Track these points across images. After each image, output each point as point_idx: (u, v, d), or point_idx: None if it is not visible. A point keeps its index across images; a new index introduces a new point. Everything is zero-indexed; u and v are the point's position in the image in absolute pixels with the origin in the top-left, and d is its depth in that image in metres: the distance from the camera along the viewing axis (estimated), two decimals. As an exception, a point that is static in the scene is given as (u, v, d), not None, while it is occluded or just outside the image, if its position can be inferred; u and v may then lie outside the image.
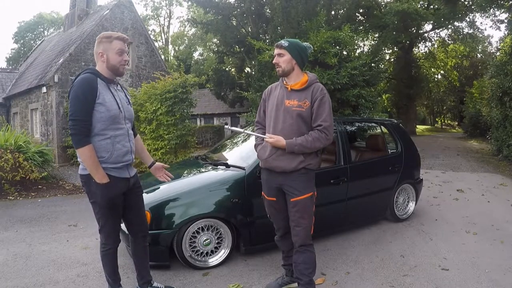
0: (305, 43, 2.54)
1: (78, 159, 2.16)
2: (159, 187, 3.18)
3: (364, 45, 21.61)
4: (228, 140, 4.46)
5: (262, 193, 2.62)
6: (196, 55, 36.57)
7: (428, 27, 23.07)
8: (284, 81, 2.51)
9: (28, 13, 65.67)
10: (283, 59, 2.43)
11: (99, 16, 12.35)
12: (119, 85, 2.32)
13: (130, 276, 2.88)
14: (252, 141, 3.91)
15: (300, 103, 2.38)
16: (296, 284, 2.58)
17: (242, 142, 4.09)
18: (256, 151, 2.61)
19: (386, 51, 24.73)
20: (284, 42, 2.43)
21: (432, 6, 19.95)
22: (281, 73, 2.47)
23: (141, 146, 2.57)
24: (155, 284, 2.55)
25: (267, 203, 2.59)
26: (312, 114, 2.38)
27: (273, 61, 2.49)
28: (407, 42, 22.55)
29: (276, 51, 2.47)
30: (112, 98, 2.16)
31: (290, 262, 2.61)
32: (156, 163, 2.57)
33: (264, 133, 2.51)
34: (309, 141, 2.33)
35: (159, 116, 7.48)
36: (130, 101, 2.42)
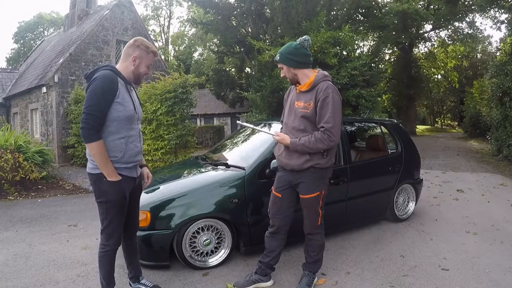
0: (299, 38, 2.48)
1: (87, 156, 2.17)
2: (159, 187, 3.19)
3: (364, 45, 21.62)
4: (228, 140, 4.46)
5: (272, 188, 2.70)
6: (196, 55, 36.51)
7: (428, 27, 23.08)
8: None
9: (28, 13, 65.57)
10: (283, 71, 2.52)
11: (99, 16, 12.34)
12: (131, 86, 2.38)
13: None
14: (251, 141, 3.94)
15: (306, 105, 2.42)
16: (268, 283, 2.72)
17: (242, 142, 4.09)
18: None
19: (386, 51, 24.74)
20: (276, 57, 2.50)
21: (432, 6, 19.96)
22: (290, 83, 2.59)
23: None
24: (142, 281, 2.59)
25: (272, 198, 2.66)
26: (316, 115, 2.41)
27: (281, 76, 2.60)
28: (407, 42, 22.55)
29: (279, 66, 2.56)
30: (129, 98, 2.21)
31: (266, 261, 2.68)
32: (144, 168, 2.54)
33: None
34: (311, 142, 2.35)
35: (159, 116, 7.48)
36: (141, 102, 2.48)
